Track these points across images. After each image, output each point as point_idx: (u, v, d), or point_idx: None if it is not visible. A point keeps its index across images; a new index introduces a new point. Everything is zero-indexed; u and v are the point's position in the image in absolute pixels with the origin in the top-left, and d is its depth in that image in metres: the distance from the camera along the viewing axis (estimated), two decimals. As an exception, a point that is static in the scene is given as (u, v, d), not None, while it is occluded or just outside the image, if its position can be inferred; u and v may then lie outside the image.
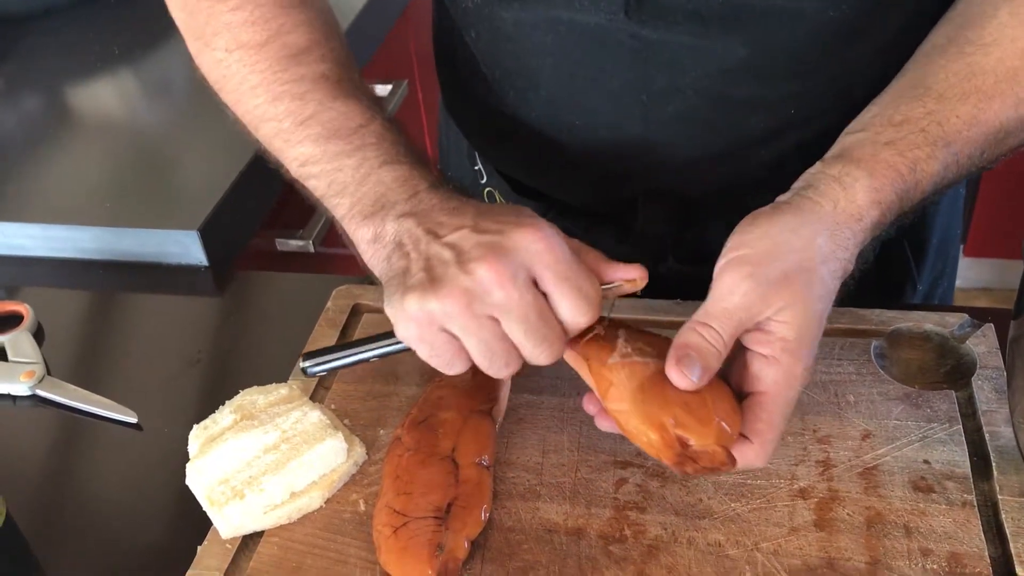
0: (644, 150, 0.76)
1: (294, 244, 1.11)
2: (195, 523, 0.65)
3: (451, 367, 0.59)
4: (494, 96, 0.79)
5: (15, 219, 0.97)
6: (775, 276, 0.56)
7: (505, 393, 0.70)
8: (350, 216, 0.63)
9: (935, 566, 0.58)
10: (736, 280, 0.56)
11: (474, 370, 0.70)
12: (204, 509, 0.65)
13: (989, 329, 0.73)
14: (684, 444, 0.56)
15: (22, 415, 0.79)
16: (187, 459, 0.67)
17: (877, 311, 0.75)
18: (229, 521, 0.63)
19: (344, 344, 0.65)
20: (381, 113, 0.68)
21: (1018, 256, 0.66)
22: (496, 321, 0.56)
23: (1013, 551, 0.58)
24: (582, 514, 0.63)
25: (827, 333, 0.73)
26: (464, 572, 0.60)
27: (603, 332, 0.61)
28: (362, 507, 0.65)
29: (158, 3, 0.75)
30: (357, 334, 0.79)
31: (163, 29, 1.14)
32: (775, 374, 0.56)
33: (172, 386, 0.80)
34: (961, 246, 2.20)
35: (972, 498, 0.62)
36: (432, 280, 0.56)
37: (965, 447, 0.65)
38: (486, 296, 0.56)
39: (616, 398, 0.58)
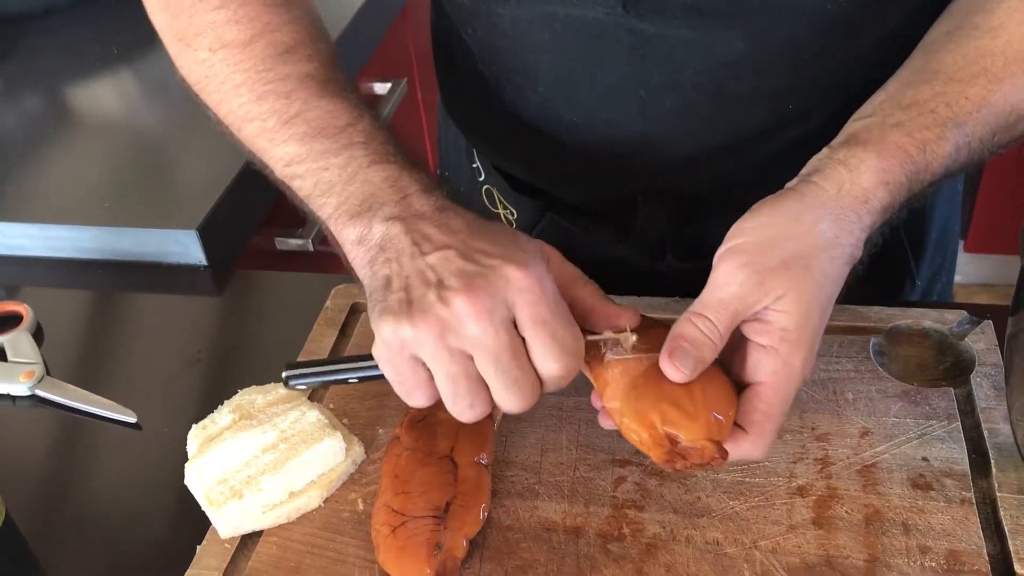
0: (643, 146, 0.76)
1: (293, 243, 1.11)
2: (194, 523, 0.65)
3: (411, 397, 0.57)
4: (492, 93, 0.79)
5: (14, 219, 0.97)
6: (773, 264, 0.55)
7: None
8: (336, 216, 0.61)
9: (933, 563, 0.58)
10: (732, 269, 0.55)
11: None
12: (203, 509, 0.65)
13: (988, 326, 0.73)
14: (673, 441, 0.56)
15: (21, 415, 0.79)
16: (186, 459, 0.67)
17: (876, 308, 0.75)
18: (228, 521, 0.63)
19: (329, 360, 0.63)
20: (369, 112, 0.66)
21: (1018, 252, 0.66)
22: (469, 358, 0.55)
23: (1011, 548, 0.58)
24: (580, 513, 0.63)
25: (826, 330, 0.72)
26: (463, 571, 0.60)
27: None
28: (361, 506, 0.65)
29: (157, 3, 0.75)
30: (356, 333, 0.79)
31: (162, 28, 1.14)
32: (773, 364, 0.55)
33: (171, 386, 0.80)
34: (962, 242, 2.21)
35: (971, 495, 0.62)
36: (409, 303, 0.55)
37: (964, 444, 0.65)
38: (460, 329, 0.54)
39: (610, 396, 0.58)
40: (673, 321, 0.58)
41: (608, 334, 0.59)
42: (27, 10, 1.36)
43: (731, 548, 0.60)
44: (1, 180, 1.04)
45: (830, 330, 0.72)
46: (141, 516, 0.69)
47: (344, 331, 0.80)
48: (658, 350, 0.57)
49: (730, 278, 0.55)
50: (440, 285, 0.55)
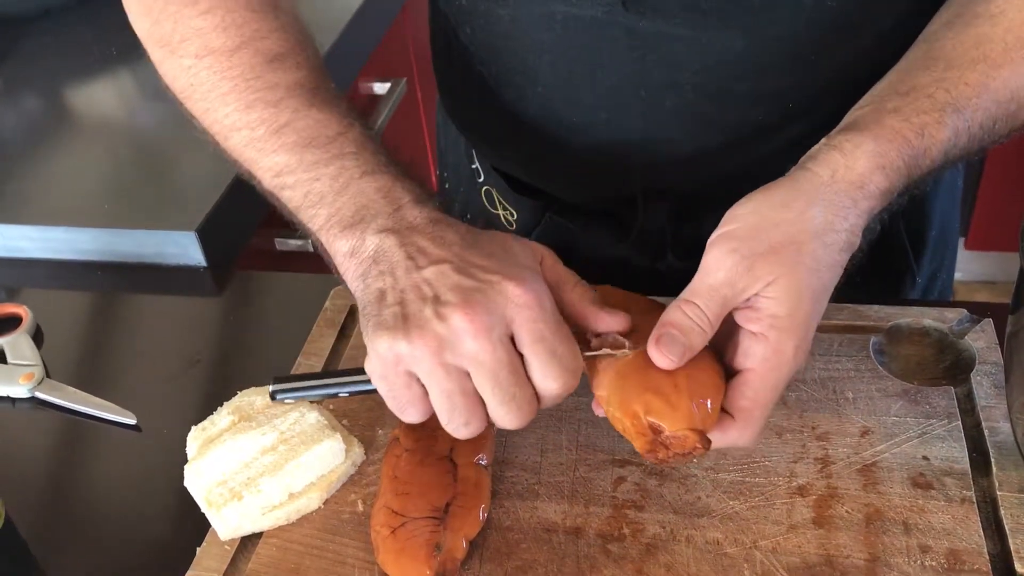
0: (642, 146, 0.76)
1: (293, 243, 1.11)
2: (194, 524, 0.65)
3: (404, 413, 0.57)
4: (491, 94, 0.79)
5: (14, 221, 0.97)
6: (762, 250, 0.54)
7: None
8: (327, 227, 0.60)
9: (934, 563, 0.58)
10: (721, 256, 0.55)
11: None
12: (202, 510, 0.65)
13: (988, 324, 0.72)
14: (657, 431, 0.55)
15: (21, 417, 0.79)
16: (186, 461, 0.67)
17: (876, 307, 0.75)
18: (227, 522, 0.63)
19: (318, 374, 0.63)
20: (360, 122, 0.65)
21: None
22: (466, 374, 0.54)
23: (1012, 547, 0.58)
24: (580, 513, 0.63)
25: (825, 329, 0.73)
26: (462, 572, 0.60)
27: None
28: (360, 508, 0.65)
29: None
30: (355, 334, 0.79)
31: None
32: (763, 351, 0.55)
33: (171, 387, 0.80)
34: (962, 239, 2.21)
35: (971, 494, 0.62)
36: (405, 318, 0.54)
37: (964, 443, 0.65)
38: (458, 345, 0.53)
39: (599, 385, 0.58)
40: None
41: (606, 350, 0.58)
42: (26, 11, 1.36)
43: (731, 548, 0.60)
44: (0, 181, 1.04)
45: (830, 329, 0.73)
46: (141, 518, 0.69)
47: (343, 332, 0.80)
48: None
49: (719, 264, 0.55)
50: (436, 300, 0.54)
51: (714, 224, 0.75)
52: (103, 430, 0.77)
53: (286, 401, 0.63)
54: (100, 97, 1.23)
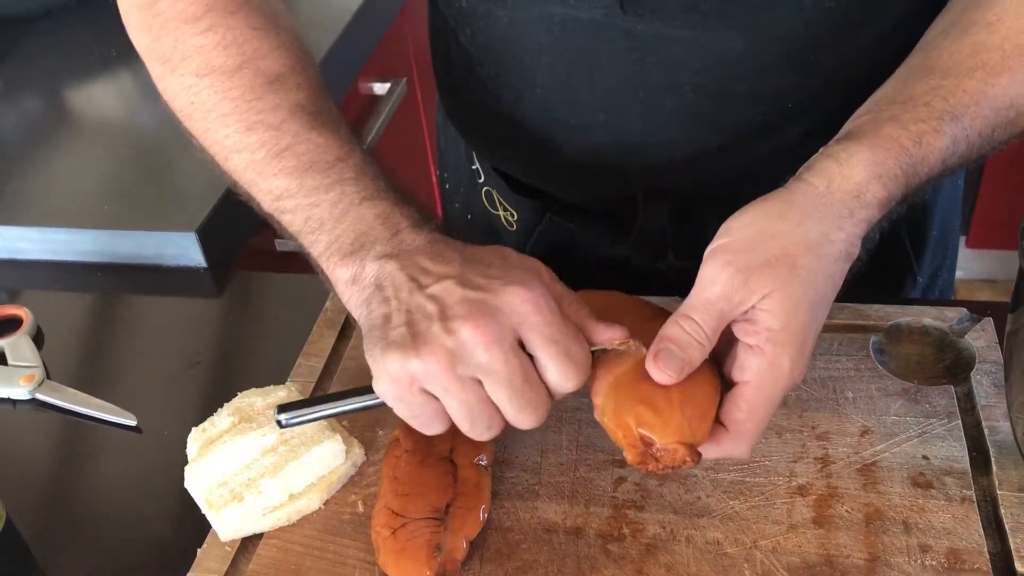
0: (642, 147, 0.76)
1: (293, 244, 1.10)
2: (195, 526, 0.65)
3: (430, 428, 0.57)
4: (490, 95, 0.79)
5: (14, 222, 0.97)
6: (757, 263, 0.54)
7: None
8: (327, 255, 0.60)
9: (934, 562, 0.58)
10: (716, 270, 0.55)
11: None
12: (203, 512, 0.65)
13: (988, 323, 0.72)
14: (648, 443, 0.55)
15: (22, 419, 0.79)
16: (186, 462, 0.67)
17: (876, 306, 0.75)
18: (228, 523, 0.63)
19: (321, 397, 0.62)
20: (360, 146, 0.65)
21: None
22: (479, 383, 0.54)
23: (1012, 546, 0.58)
24: (581, 513, 0.63)
25: (826, 328, 0.72)
26: (463, 572, 0.60)
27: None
28: (361, 508, 0.65)
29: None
30: (355, 335, 0.79)
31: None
32: (758, 364, 0.55)
33: (171, 389, 0.80)
34: (963, 238, 2.20)
35: (971, 493, 0.62)
36: (414, 336, 0.54)
37: (964, 442, 0.65)
38: (470, 358, 0.53)
39: (595, 392, 0.58)
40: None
41: (613, 345, 0.58)
42: (26, 11, 1.36)
43: (731, 548, 0.60)
44: (0, 182, 1.04)
45: (830, 328, 0.73)
46: (141, 519, 0.69)
47: (343, 333, 0.80)
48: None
49: (715, 278, 0.55)
50: (444, 316, 0.54)
51: (715, 225, 0.75)
52: (103, 431, 0.77)
53: (287, 424, 0.62)
54: (100, 98, 1.23)
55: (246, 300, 0.93)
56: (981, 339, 0.71)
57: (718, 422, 0.56)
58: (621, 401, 0.57)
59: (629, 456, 0.56)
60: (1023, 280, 0.60)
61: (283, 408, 0.61)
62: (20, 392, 0.80)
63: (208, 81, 0.66)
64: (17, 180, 1.04)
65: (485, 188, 0.90)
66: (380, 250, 0.58)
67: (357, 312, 0.59)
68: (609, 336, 0.58)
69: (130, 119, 1.18)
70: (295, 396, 0.69)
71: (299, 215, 0.62)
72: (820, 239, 0.55)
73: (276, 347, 0.82)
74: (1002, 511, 0.60)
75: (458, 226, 0.97)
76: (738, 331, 0.56)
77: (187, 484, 0.66)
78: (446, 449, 0.65)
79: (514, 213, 0.88)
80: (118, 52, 1.26)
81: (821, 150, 0.59)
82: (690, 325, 0.55)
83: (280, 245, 1.11)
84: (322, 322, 0.80)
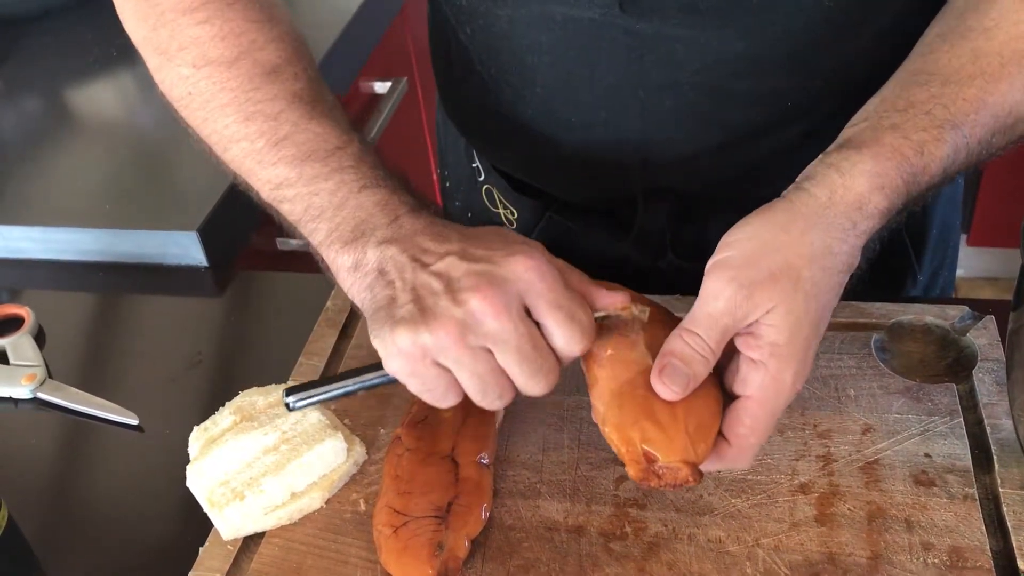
0: (641, 146, 0.76)
1: (294, 243, 1.10)
2: (196, 525, 0.65)
3: (444, 401, 0.57)
4: (490, 94, 0.79)
5: (15, 222, 0.97)
6: (760, 277, 0.54)
7: (505, 391, 0.70)
8: (328, 243, 0.60)
9: (936, 560, 0.58)
10: (720, 284, 0.54)
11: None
12: (205, 510, 0.65)
13: (990, 321, 0.72)
14: (651, 459, 0.55)
15: (23, 418, 0.79)
16: (188, 461, 0.67)
17: (878, 304, 0.75)
18: (230, 522, 0.63)
19: (328, 378, 0.62)
20: (358, 135, 0.65)
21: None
22: (490, 353, 0.55)
23: (1015, 544, 0.58)
24: (582, 511, 0.63)
25: (827, 326, 0.73)
26: (465, 571, 0.60)
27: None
28: (362, 507, 0.65)
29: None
30: (356, 334, 0.79)
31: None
32: (762, 379, 0.55)
33: (173, 388, 0.80)
34: (965, 236, 2.20)
35: (973, 491, 0.62)
36: (423, 312, 0.55)
37: (966, 440, 0.65)
38: (479, 327, 0.54)
39: (597, 397, 0.58)
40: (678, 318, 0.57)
41: (616, 309, 0.59)
42: (26, 11, 1.36)
43: (733, 546, 0.60)
44: (1, 182, 1.04)
45: (832, 326, 0.72)
46: (143, 518, 0.69)
47: (345, 331, 0.80)
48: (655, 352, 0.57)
49: (718, 292, 0.54)
50: (450, 289, 0.55)
51: (715, 224, 0.75)
52: (105, 431, 0.77)
53: (302, 408, 0.62)
54: (100, 97, 1.23)
55: (247, 299, 0.93)
56: (983, 337, 0.71)
57: (720, 435, 0.56)
58: (625, 413, 0.56)
59: (631, 472, 0.56)
60: (1025, 278, 0.60)
61: (291, 391, 0.62)
62: (22, 391, 0.80)
63: (205, 72, 0.66)
64: (18, 180, 1.04)
65: (485, 187, 0.90)
66: (380, 236, 0.59)
67: (360, 298, 0.59)
68: (611, 300, 0.59)
69: (131, 118, 1.18)
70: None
71: (299, 204, 0.63)
72: (823, 251, 0.55)
73: (277, 346, 0.82)
74: (1004, 509, 0.60)
75: (459, 224, 0.97)
76: (741, 344, 0.56)
77: (189, 483, 0.66)
78: (448, 447, 0.65)
79: (514, 212, 0.88)
80: (118, 52, 1.26)
81: (821, 158, 0.58)
82: (694, 340, 0.55)
83: (281, 244, 1.11)
84: (323, 321, 0.80)
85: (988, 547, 0.59)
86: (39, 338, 0.86)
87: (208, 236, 0.93)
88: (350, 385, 0.61)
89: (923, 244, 0.88)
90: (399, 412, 0.71)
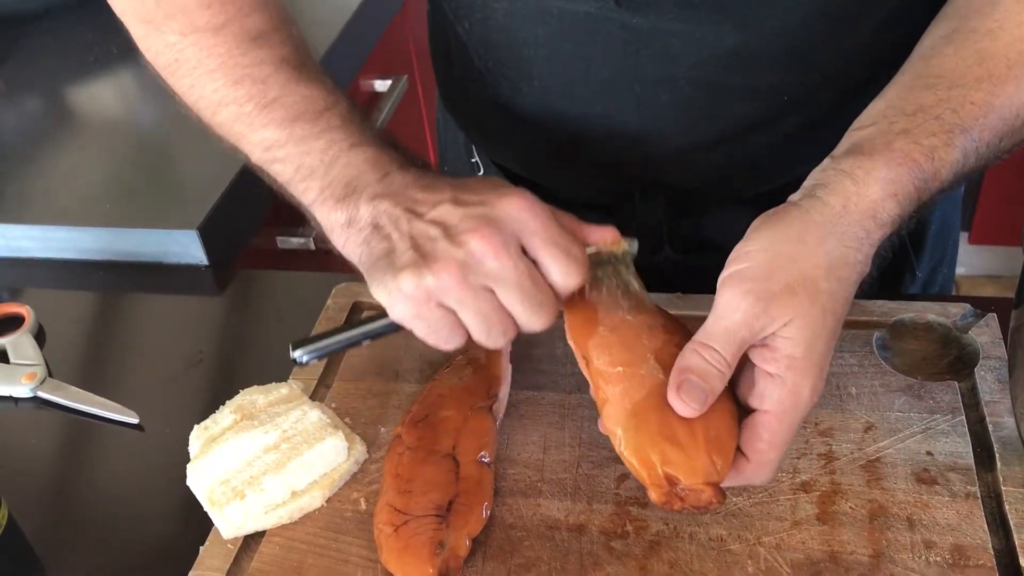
0: (638, 140, 0.76)
1: (295, 242, 1.11)
2: (197, 523, 0.65)
3: (449, 342, 0.59)
4: (488, 88, 0.79)
5: (15, 221, 0.97)
6: (777, 289, 0.53)
7: (505, 390, 0.70)
8: (320, 200, 0.62)
9: (938, 558, 0.58)
10: (736, 297, 0.54)
11: (473, 366, 0.70)
12: (205, 509, 0.64)
13: (992, 319, 0.72)
14: (673, 482, 0.54)
15: (24, 417, 0.79)
16: (188, 460, 0.67)
17: (879, 302, 0.75)
18: (230, 521, 0.63)
19: (333, 330, 0.63)
20: (345, 96, 0.67)
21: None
22: (491, 291, 0.57)
23: (1017, 543, 0.58)
24: (583, 510, 0.63)
25: (829, 325, 0.73)
26: (465, 570, 0.60)
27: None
28: (363, 506, 0.65)
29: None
30: (357, 332, 0.79)
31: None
32: (780, 394, 0.54)
33: (173, 386, 0.80)
34: (966, 234, 2.20)
35: (975, 489, 0.62)
36: (424, 257, 0.56)
37: (968, 438, 0.65)
38: (480, 267, 0.56)
39: (610, 417, 0.57)
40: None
41: (606, 243, 0.60)
42: (27, 10, 1.36)
43: (735, 545, 0.60)
44: (1, 181, 1.04)
45: (833, 324, 0.72)
46: (143, 517, 0.69)
47: (345, 330, 0.80)
48: (664, 364, 0.56)
49: (734, 306, 0.54)
50: (448, 233, 0.57)
51: (712, 218, 0.75)
52: (105, 429, 0.77)
53: (310, 361, 0.63)
54: (101, 96, 1.23)
55: (248, 298, 0.93)
56: (985, 335, 0.71)
57: (738, 451, 0.56)
58: (643, 435, 0.55)
59: (653, 496, 0.55)
60: (1027, 276, 0.60)
61: (297, 345, 0.63)
62: (22, 390, 0.79)
63: (192, 39, 0.68)
64: (18, 179, 1.04)
65: None
66: (372, 191, 0.60)
67: (357, 253, 0.61)
68: (601, 235, 0.60)
69: (131, 117, 1.18)
70: (297, 393, 0.69)
71: (289, 164, 0.64)
72: (840, 262, 0.55)
73: (278, 345, 0.81)
74: (1006, 507, 0.60)
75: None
76: (756, 358, 0.55)
77: (189, 482, 0.66)
78: (448, 446, 0.65)
79: None
80: (118, 50, 1.26)
81: (831, 163, 0.58)
82: (711, 355, 0.54)
83: (282, 243, 1.11)
84: (324, 320, 0.80)
85: (990, 545, 0.59)
86: (39, 337, 0.86)
87: (208, 235, 0.93)
88: (355, 335, 0.63)
89: (922, 241, 0.88)
90: (400, 411, 0.71)
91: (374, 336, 0.62)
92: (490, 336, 0.58)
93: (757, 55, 0.69)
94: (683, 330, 0.60)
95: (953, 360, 0.70)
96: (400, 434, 0.67)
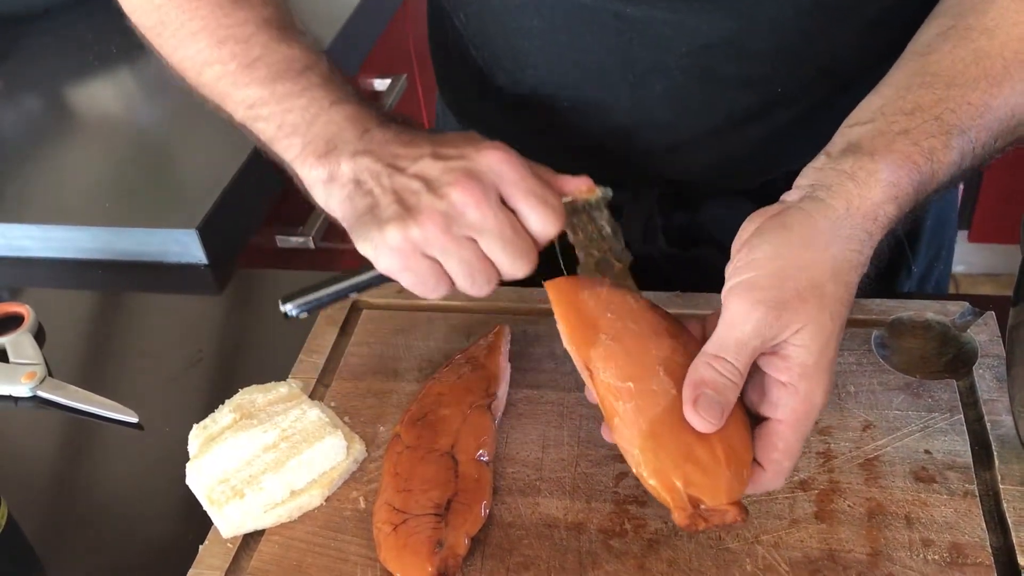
0: (632, 130, 0.76)
1: (294, 241, 1.11)
2: (196, 522, 0.65)
3: (435, 291, 0.61)
4: (484, 79, 0.80)
5: (15, 220, 0.97)
6: (788, 297, 0.53)
7: (504, 388, 0.70)
8: (302, 157, 0.64)
9: (936, 557, 0.58)
10: (747, 307, 0.53)
11: (472, 365, 0.71)
12: (204, 508, 0.65)
13: (990, 317, 0.72)
14: (696, 503, 0.54)
15: (23, 416, 0.79)
16: (188, 459, 0.67)
17: (878, 301, 0.75)
18: (229, 520, 0.63)
19: (320, 283, 0.65)
20: (326, 56, 0.69)
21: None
22: (473, 241, 0.59)
23: (1015, 541, 0.58)
24: (582, 509, 0.63)
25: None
26: (464, 568, 0.60)
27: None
28: (362, 504, 0.65)
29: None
30: (356, 331, 0.79)
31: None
32: (794, 403, 0.54)
33: (173, 386, 0.80)
34: (965, 232, 2.20)
35: (974, 488, 0.62)
36: (408, 209, 0.58)
37: (966, 437, 0.65)
38: (462, 218, 0.58)
39: (625, 437, 0.56)
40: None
41: (581, 193, 0.62)
42: (27, 10, 1.36)
43: (733, 543, 0.60)
44: (1, 181, 1.04)
45: (831, 323, 0.72)
46: (143, 516, 0.69)
47: (345, 329, 0.80)
48: (674, 378, 0.55)
49: (746, 316, 0.53)
50: (430, 186, 0.59)
51: (706, 211, 0.75)
52: (105, 429, 0.77)
53: (294, 314, 0.65)
54: (100, 96, 1.23)
55: (247, 297, 0.93)
56: (983, 333, 0.71)
57: (753, 461, 0.55)
58: (663, 457, 0.54)
59: (678, 519, 0.54)
60: (1025, 274, 0.60)
61: (286, 299, 0.64)
62: (21, 389, 0.80)
63: (176, 2, 0.69)
64: (18, 178, 1.04)
65: None
66: (352, 148, 0.62)
67: (340, 209, 0.62)
68: (575, 184, 0.62)
69: (130, 116, 1.18)
70: (296, 392, 0.69)
71: (272, 122, 0.66)
72: (845, 266, 0.55)
73: (277, 344, 0.82)
74: (1004, 505, 0.60)
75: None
76: (768, 367, 0.55)
77: (188, 481, 0.66)
78: (447, 444, 0.65)
79: None
80: (118, 50, 1.26)
81: (824, 159, 0.57)
82: (724, 367, 0.54)
83: (281, 242, 1.11)
84: (323, 318, 0.80)
85: (988, 543, 0.59)
86: (39, 336, 0.86)
87: (208, 234, 0.93)
88: (343, 287, 0.64)
89: (917, 236, 0.88)
90: (398, 410, 0.71)
91: (361, 288, 0.64)
92: (475, 284, 0.60)
93: (749, 45, 0.69)
94: (685, 332, 0.59)
95: (951, 358, 0.70)
96: (399, 433, 0.67)
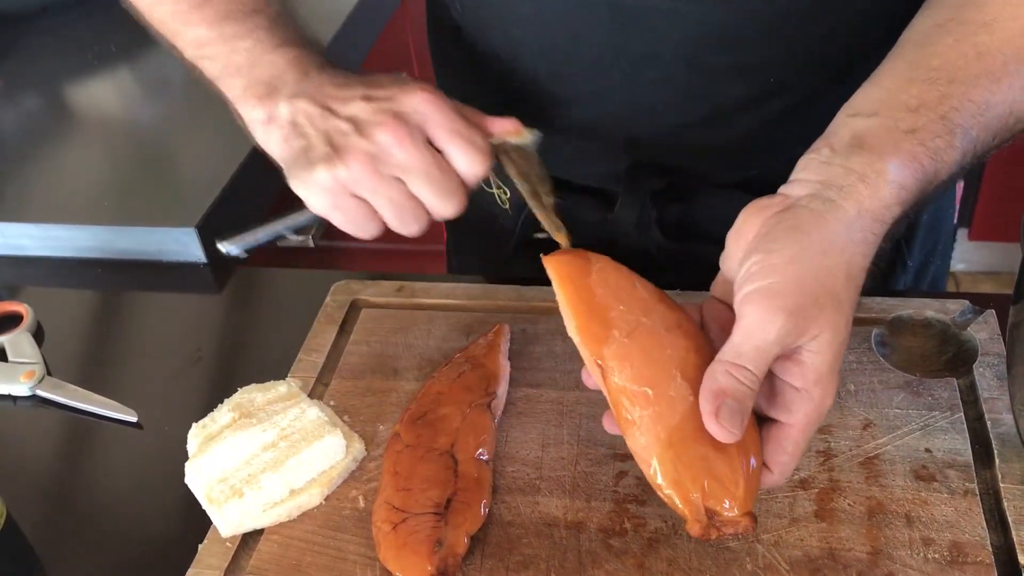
0: (625, 119, 0.77)
1: (293, 240, 1.10)
2: (195, 522, 0.65)
3: (365, 231, 0.63)
4: (480, 68, 0.80)
5: (14, 219, 0.97)
6: (807, 304, 0.52)
7: (504, 387, 0.70)
8: (244, 98, 0.66)
9: (937, 555, 0.58)
10: (767, 315, 0.52)
11: (472, 363, 0.70)
12: (204, 508, 0.64)
13: (990, 315, 0.72)
14: (711, 514, 0.54)
15: (22, 416, 0.79)
16: (187, 458, 0.67)
17: (877, 299, 0.75)
18: (229, 519, 0.63)
19: (257, 222, 0.68)
20: (277, 4, 0.70)
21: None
22: (401, 181, 0.61)
23: (1015, 539, 0.58)
24: (582, 508, 0.63)
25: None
26: (464, 567, 0.60)
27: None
28: (362, 504, 0.65)
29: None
30: (356, 330, 0.79)
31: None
32: (806, 407, 0.54)
33: (172, 385, 0.80)
34: (966, 230, 2.20)
35: (974, 486, 0.62)
36: (337, 150, 0.61)
37: (967, 435, 0.65)
38: (389, 158, 0.60)
39: (640, 445, 0.55)
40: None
41: (507, 134, 0.64)
42: (26, 9, 1.36)
43: (733, 542, 0.60)
44: (1, 180, 1.04)
45: (831, 321, 0.72)
46: (142, 515, 0.69)
47: (344, 328, 0.80)
48: (692, 384, 0.55)
49: (767, 324, 0.52)
50: (358, 127, 0.61)
51: (700, 202, 0.75)
52: (104, 428, 0.77)
53: (232, 253, 0.68)
54: (100, 95, 1.23)
55: (246, 296, 0.93)
56: (983, 331, 0.71)
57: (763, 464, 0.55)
58: (681, 469, 0.54)
59: (693, 530, 0.54)
60: (1026, 272, 0.60)
61: (223, 238, 0.68)
62: (20, 389, 0.79)
63: None
64: (17, 177, 1.04)
65: None
66: (291, 90, 0.64)
67: (278, 150, 0.65)
68: (502, 126, 0.64)
69: (130, 115, 1.18)
70: (295, 391, 0.69)
71: (218, 62, 0.68)
72: (856, 269, 0.54)
73: (277, 342, 0.82)
74: (1005, 504, 0.60)
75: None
76: (782, 371, 0.54)
77: (188, 480, 0.66)
78: (447, 443, 0.65)
79: (507, 191, 0.89)
80: (117, 49, 1.26)
81: (828, 153, 0.57)
82: (744, 375, 0.53)
83: (281, 241, 1.11)
84: (322, 317, 0.80)
85: (989, 542, 0.59)
86: (38, 335, 0.86)
87: (207, 233, 0.93)
88: (279, 227, 0.68)
89: (913, 230, 0.87)
90: (398, 409, 0.71)
91: (297, 229, 0.67)
92: (404, 223, 0.62)
93: (742, 34, 0.69)
94: (692, 325, 0.58)
95: (952, 357, 0.70)
96: (398, 432, 0.67)
